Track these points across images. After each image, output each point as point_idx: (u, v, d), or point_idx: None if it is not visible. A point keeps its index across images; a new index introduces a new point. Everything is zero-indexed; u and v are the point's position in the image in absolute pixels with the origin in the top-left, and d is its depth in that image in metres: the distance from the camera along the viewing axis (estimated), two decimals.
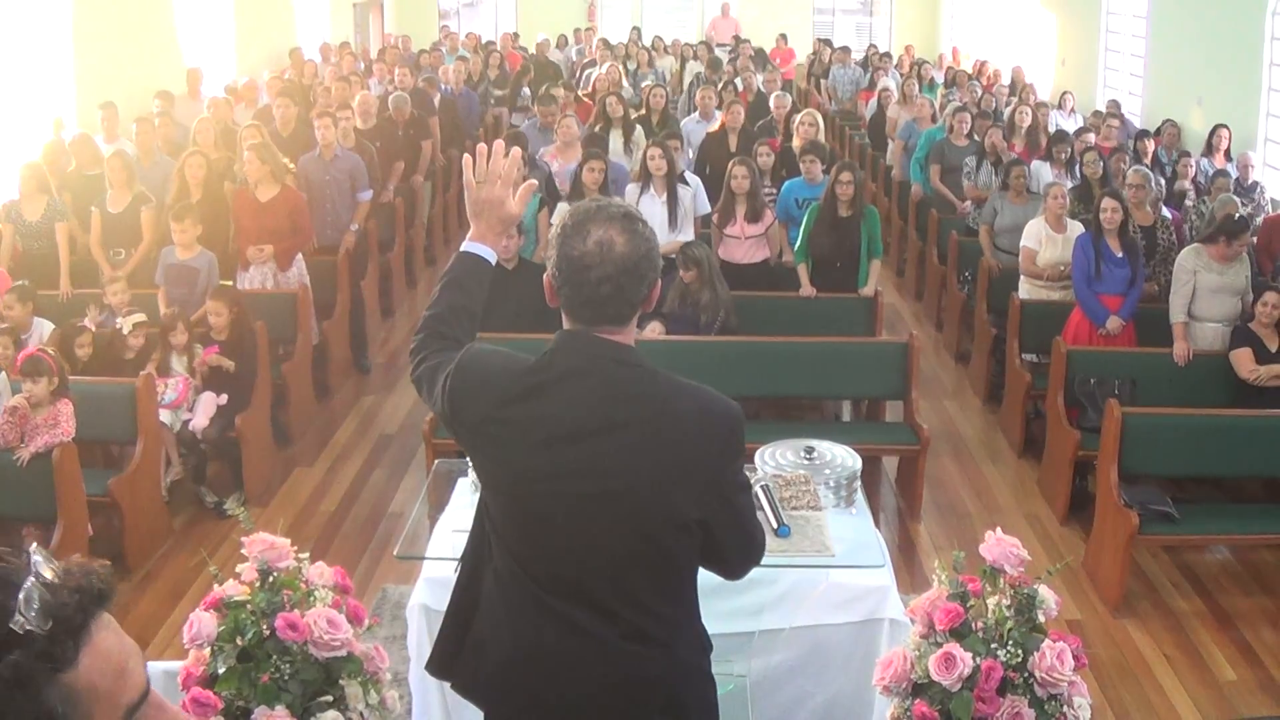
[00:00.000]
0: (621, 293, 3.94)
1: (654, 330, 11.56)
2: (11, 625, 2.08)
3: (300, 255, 13.08)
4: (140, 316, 11.27)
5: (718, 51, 28.92)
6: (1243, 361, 10.90)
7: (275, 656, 5.34)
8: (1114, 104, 21.57)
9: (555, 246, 4.03)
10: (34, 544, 2.25)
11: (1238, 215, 11.63)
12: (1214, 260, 11.33)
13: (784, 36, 32.61)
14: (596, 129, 16.58)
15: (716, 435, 4.03)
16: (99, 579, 2.25)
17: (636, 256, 3.95)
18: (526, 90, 22.39)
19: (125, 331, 11.10)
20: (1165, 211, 13.73)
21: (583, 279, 3.93)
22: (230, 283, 11.70)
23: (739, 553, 4.27)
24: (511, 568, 4.15)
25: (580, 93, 21.40)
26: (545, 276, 4.12)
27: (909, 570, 9.93)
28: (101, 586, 2.24)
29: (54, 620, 2.12)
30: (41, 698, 2.09)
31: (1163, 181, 15.39)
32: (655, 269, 4.06)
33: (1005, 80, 26.33)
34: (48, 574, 2.17)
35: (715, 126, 16.71)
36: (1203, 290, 11.39)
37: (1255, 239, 13.73)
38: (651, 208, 12.94)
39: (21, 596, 2.11)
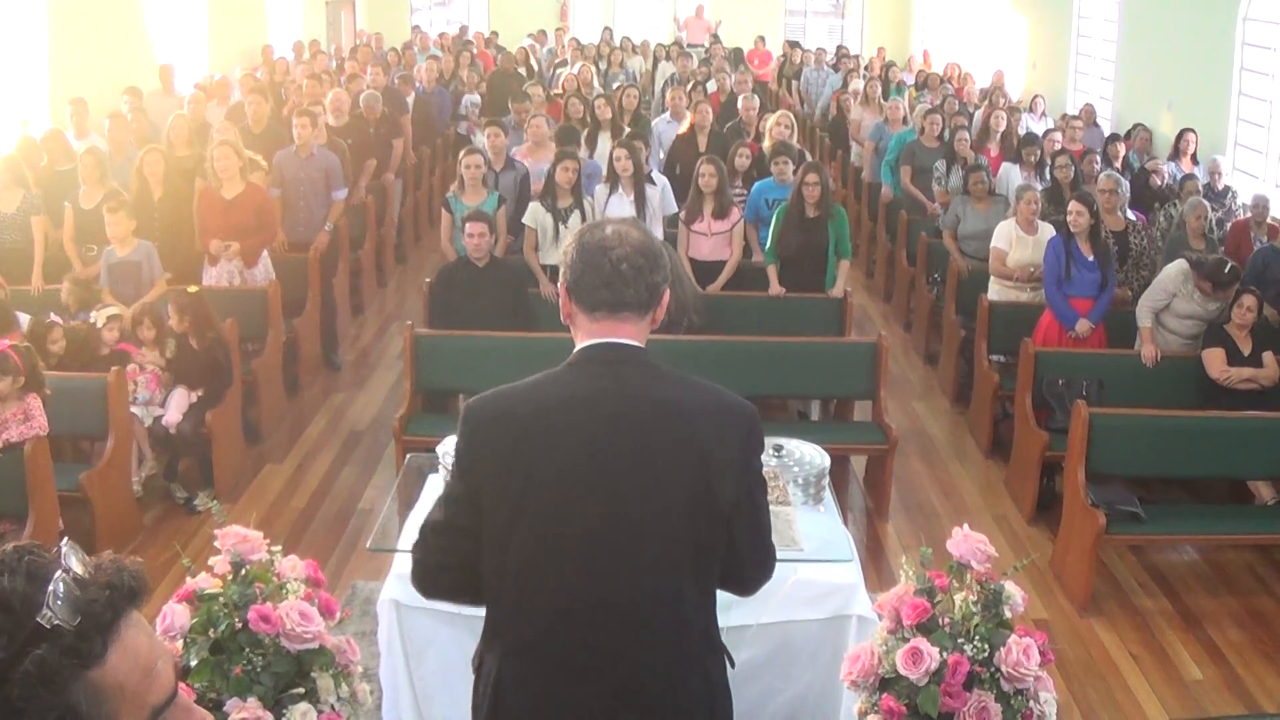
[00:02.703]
0: (641, 273, 4.04)
1: None
2: (39, 619, 2.08)
3: (266, 252, 13.06)
4: (114, 310, 11.24)
5: (689, 50, 28.97)
6: (1214, 362, 10.93)
7: (247, 649, 5.36)
8: (1089, 109, 21.62)
9: (572, 252, 4.11)
10: (65, 539, 2.24)
11: (1228, 267, 11.51)
12: (1198, 290, 11.37)
13: (762, 38, 32.61)
14: (585, 132, 16.61)
15: (738, 429, 4.13)
16: (131, 576, 2.25)
17: (653, 246, 4.11)
18: (478, 98, 22.12)
19: (99, 325, 11.07)
20: (1130, 214, 13.77)
21: (603, 259, 4.03)
22: (195, 287, 11.59)
23: (756, 558, 4.29)
24: (540, 622, 4.09)
25: (551, 92, 21.38)
26: (560, 285, 4.19)
27: (876, 569, 9.96)
28: (133, 584, 2.25)
29: (83, 616, 2.12)
30: (66, 694, 2.09)
31: (1126, 185, 15.44)
32: (667, 266, 4.18)
33: (977, 84, 26.36)
34: (78, 568, 2.17)
35: (685, 128, 16.75)
36: (1176, 311, 11.45)
37: (1224, 245, 13.82)
38: (620, 208, 12.97)
39: (50, 590, 2.10)
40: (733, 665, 4.44)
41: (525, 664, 4.12)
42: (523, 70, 25.06)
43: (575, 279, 4.09)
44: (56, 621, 2.08)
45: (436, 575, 4.26)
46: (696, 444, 4.03)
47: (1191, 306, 11.40)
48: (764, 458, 7.26)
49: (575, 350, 4.15)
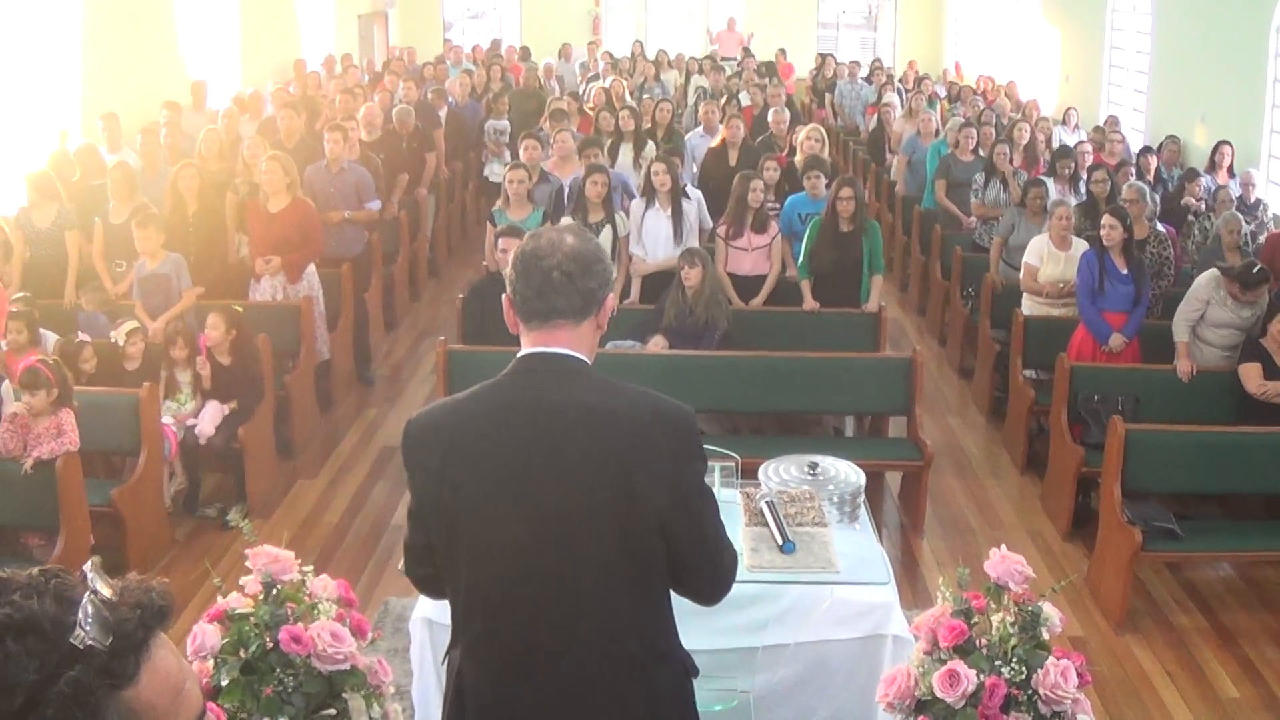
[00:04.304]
0: (572, 280, 4.09)
1: (657, 344, 11.57)
2: (72, 640, 2.08)
3: (312, 267, 13.08)
4: (133, 324, 11.24)
5: (723, 63, 28.86)
6: (1251, 376, 10.86)
7: (279, 669, 5.35)
8: (1112, 119, 21.59)
9: (510, 261, 4.21)
10: (90, 561, 2.25)
11: (1257, 267, 11.49)
12: (1230, 295, 11.30)
13: (783, 51, 32.57)
14: (608, 143, 16.56)
15: (669, 435, 4.10)
16: (159, 595, 2.26)
17: (587, 252, 4.14)
18: (506, 124, 21.77)
19: (120, 343, 11.07)
20: (1159, 226, 13.71)
21: (535, 267, 4.09)
22: (240, 305, 11.61)
23: (705, 565, 4.27)
24: (482, 625, 4.22)
25: (585, 105, 21.33)
26: (504, 296, 4.26)
27: (912, 586, 9.92)
28: (162, 604, 2.25)
29: (115, 636, 2.13)
30: (100, 714, 2.09)
31: (1156, 198, 15.35)
32: (606, 272, 4.23)
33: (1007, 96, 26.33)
34: (105, 590, 2.17)
35: (716, 142, 16.72)
36: (1211, 321, 11.37)
37: (1259, 258, 13.74)
38: (657, 222, 12.98)
39: (81, 612, 2.10)
40: (695, 674, 4.47)
41: (478, 662, 4.24)
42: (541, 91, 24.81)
43: (513, 289, 4.18)
44: (90, 642, 2.09)
45: (430, 584, 4.52)
46: (619, 450, 4.05)
47: (1225, 314, 11.33)
48: (800, 475, 7.30)
49: (513, 359, 4.24)
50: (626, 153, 16.52)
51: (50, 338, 11.11)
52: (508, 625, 4.15)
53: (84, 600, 2.13)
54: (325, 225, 13.84)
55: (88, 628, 2.09)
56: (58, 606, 2.10)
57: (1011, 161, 16.93)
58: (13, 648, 2.03)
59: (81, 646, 2.08)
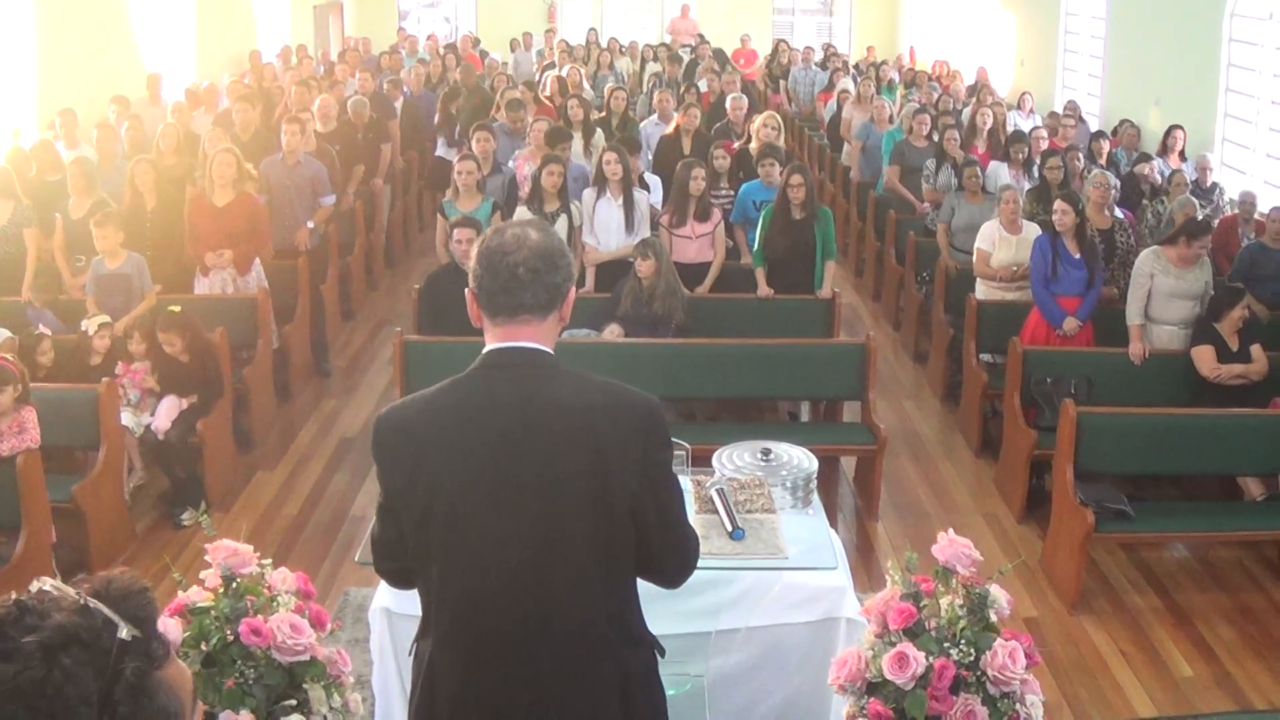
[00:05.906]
0: (539, 276, 4.14)
1: (612, 333, 11.62)
2: (120, 636, 2.15)
3: (258, 259, 13.07)
4: (104, 318, 11.23)
5: (679, 52, 28.81)
6: (1204, 359, 10.94)
7: (239, 661, 5.36)
8: (1073, 105, 21.68)
9: (475, 256, 4.24)
10: (38, 577, 2.29)
11: (1200, 217, 11.64)
12: (1172, 264, 11.35)
13: (746, 36, 32.57)
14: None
15: (636, 424, 4.18)
16: (133, 579, 2.34)
17: (551, 247, 4.19)
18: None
19: (90, 333, 11.06)
20: (1118, 212, 13.78)
21: (501, 264, 4.13)
22: (177, 306, 11.51)
23: (669, 550, 4.36)
24: (455, 616, 4.26)
25: (540, 94, 21.27)
26: (467, 291, 4.30)
27: (867, 570, 9.98)
28: (145, 585, 2.33)
29: (138, 624, 2.21)
30: (156, 697, 2.18)
31: (1117, 183, 15.42)
32: (569, 266, 4.27)
33: (964, 81, 26.37)
34: (86, 591, 2.23)
35: (670, 129, 16.75)
36: (1159, 294, 11.42)
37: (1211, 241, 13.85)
38: (609, 212, 13.01)
39: (106, 611, 2.17)
40: (662, 654, 4.55)
41: (450, 653, 4.29)
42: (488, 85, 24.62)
43: (478, 284, 4.21)
44: (134, 633, 2.17)
45: (398, 577, 4.59)
46: (591, 440, 4.11)
47: (1171, 281, 11.37)
48: (753, 461, 7.36)
49: (480, 354, 4.26)
50: (577, 142, 16.51)
51: (2, 334, 11.08)
52: (483, 615, 4.19)
53: (87, 602, 2.18)
54: (278, 215, 13.90)
55: (121, 623, 2.16)
56: (74, 615, 2.15)
57: (974, 149, 17.02)
58: (68, 664, 2.08)
59: (129, 639, 2.15)
